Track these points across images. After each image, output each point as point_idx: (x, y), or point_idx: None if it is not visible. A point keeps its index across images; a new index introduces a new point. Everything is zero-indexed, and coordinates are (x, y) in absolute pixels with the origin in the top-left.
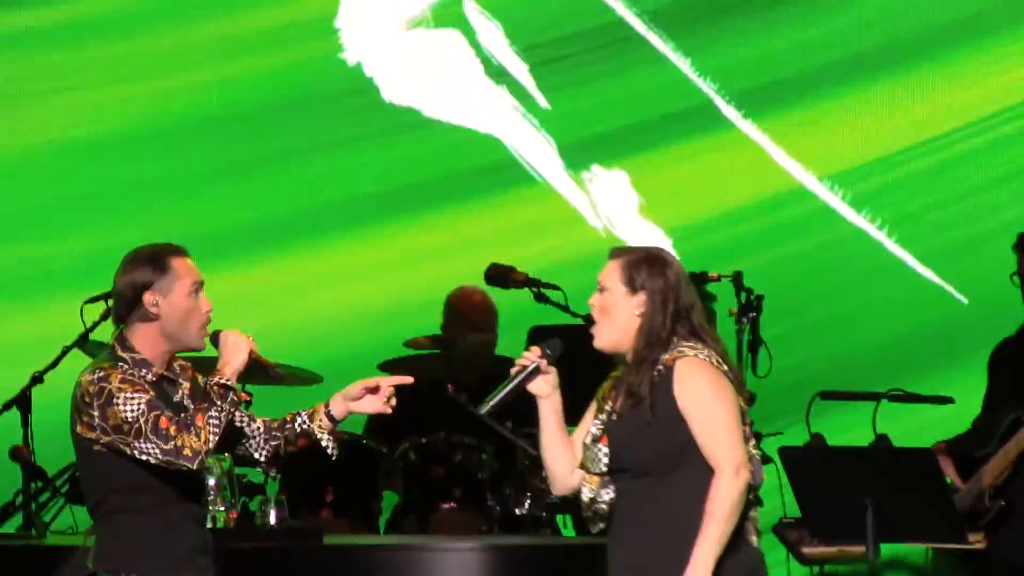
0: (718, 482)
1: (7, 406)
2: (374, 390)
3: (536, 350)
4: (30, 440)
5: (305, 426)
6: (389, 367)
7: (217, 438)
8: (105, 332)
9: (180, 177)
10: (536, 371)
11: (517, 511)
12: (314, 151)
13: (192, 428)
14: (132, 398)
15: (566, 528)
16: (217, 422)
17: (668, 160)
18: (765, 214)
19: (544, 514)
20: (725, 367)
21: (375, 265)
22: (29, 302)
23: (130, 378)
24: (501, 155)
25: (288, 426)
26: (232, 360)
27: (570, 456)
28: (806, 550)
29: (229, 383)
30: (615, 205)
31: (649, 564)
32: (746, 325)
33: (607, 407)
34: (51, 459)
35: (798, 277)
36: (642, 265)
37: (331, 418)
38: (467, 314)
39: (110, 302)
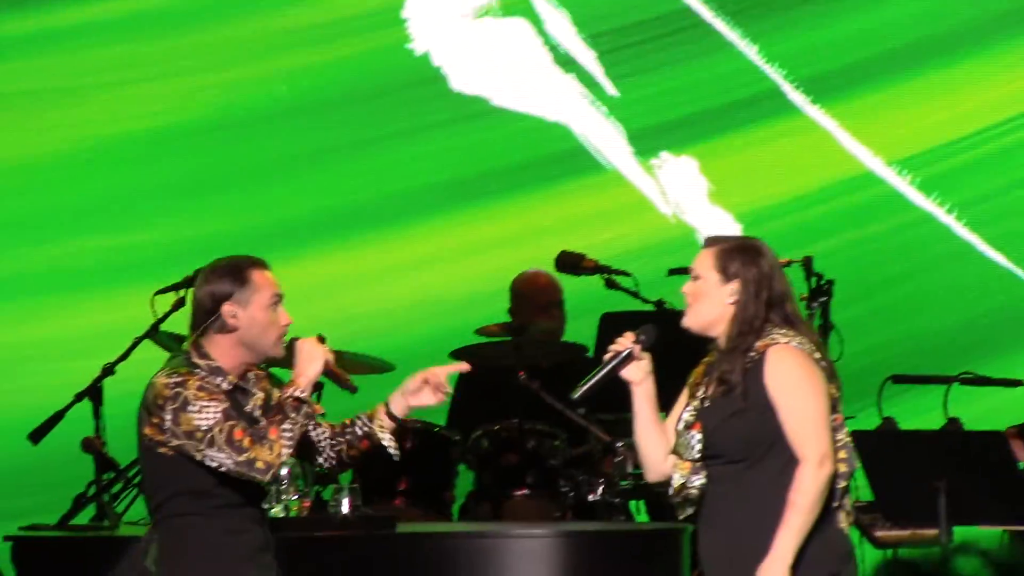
0: (802, 472)
1: (79, 398)
2: (431, 382)
3: (630, 336)
4: (102, 431)
5: (366, 428)
6: (460, 355)
7: (289, 452)
8: (175, 323)
9: (248, 168)
10: (629, 357)
11: (590, 497)
12: (382, 141)
13: (266, 441)
14: (208, 406)
15: (639, 514)
16: (290, 435)
17: (737, 146)
18: (834, 199)
19: (617, 500)
20: (818, 355)
21: (445, 253)
22: (99, 293)
23: (207, 386)
24: (569, 143)
25: (350, 430)
26: (306, 371)
27: (664, 443)
28: (879, 533)
29: (303, 396)
30: (684, 191)
31: (738, 551)
32: (816, 310)
33: (700, 393)
34: (123, 450)
35: (868, 262)
36: (735, 254)
37: (392, 417)
38: (533, 298)
39: (181, 292)
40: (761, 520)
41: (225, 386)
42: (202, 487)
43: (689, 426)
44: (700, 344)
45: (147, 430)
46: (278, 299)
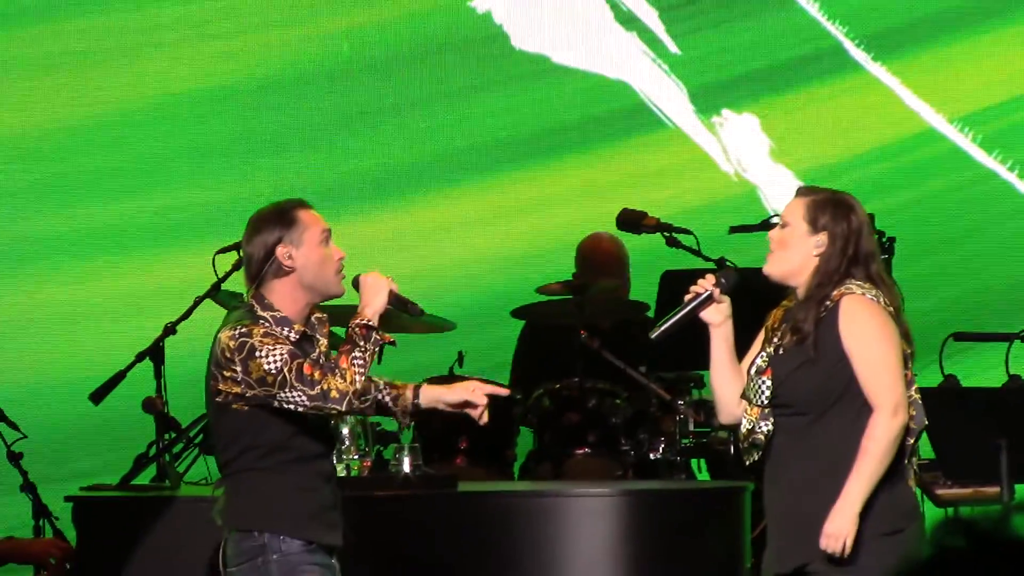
0: (876, 420)
1: (140, 357)
2: (472, 404)
3: (710, 278)
4: (163, 391)
5: (386, 401)
6: (522, 313)
7: (363, 378)
8: (236, 283)
9: (309, 127)
10: (709, 299)
11: (651, 456)
12: (444, 99)
13: (337, 370)
14: (274, 349)
15: (700, 472)
16: (362, 362)
17: (798, 104)
18: (895, 156)
19: (678, 458)
20: (891, 309)
21: (506, 212)
22: (160, 253)
23: (272, 332)
24: (631, 100)
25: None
26: (372, 301)
27: (739, 386)
28: (940, 492)
29: (371, 324)
30: (746, 149)
31: (804, 501)
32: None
33: (775, 340)
34: (184, 410)
35: (930, 219)
36: (827, 206)
37: (416, 407)
38: (598, 260)
39: (242, 252)
40: (826, 474)
41: (292, 336)
42: (275, 441)
43: (761, 371)
44: (778, 298)
45: (221, 386)
46: (328, 234)
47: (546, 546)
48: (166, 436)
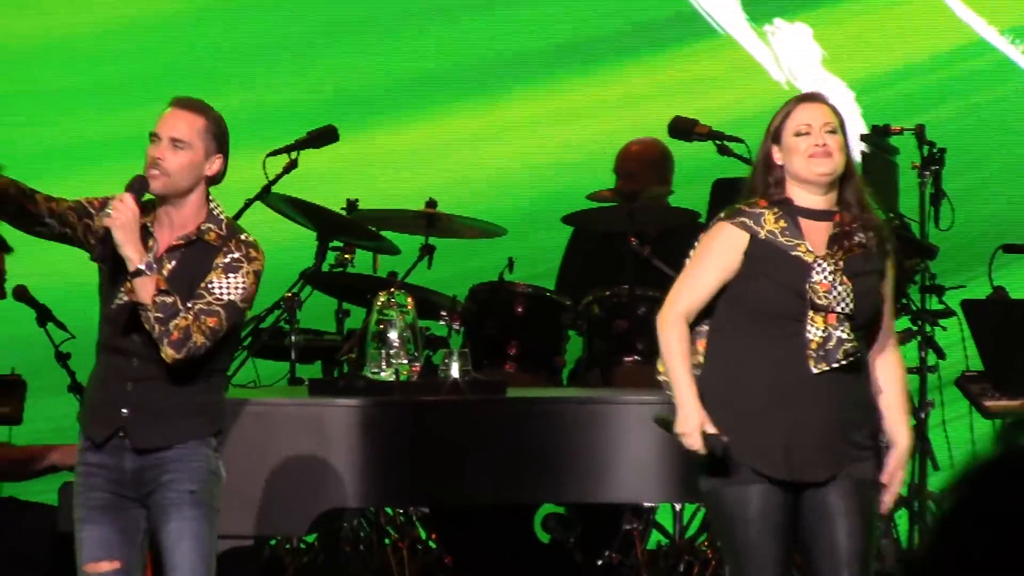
0: (897, 351)
1: None
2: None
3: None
4: None
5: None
6: (571, 220)
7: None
8: (286, 185)
9: (359, 27)
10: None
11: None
12: (492, 4)
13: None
14: None
15: None
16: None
17: (850, 13)
18: (947, 67)
19: None
20: None
21: (557, 117)
22: None
23: None
24: (683, 7)
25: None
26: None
27: None
28: (988, 403)
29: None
30: (797, 58)
31: (849, 415)
32: (928, 178)
33: (835, 247)
34: None
35: (980, 130)
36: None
37: None
38: (644, 165)
39: (292, 155)
40: (868, 392)
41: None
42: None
43: (841, 280)
44: None
45: None
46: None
47: (594, 453)
48: None
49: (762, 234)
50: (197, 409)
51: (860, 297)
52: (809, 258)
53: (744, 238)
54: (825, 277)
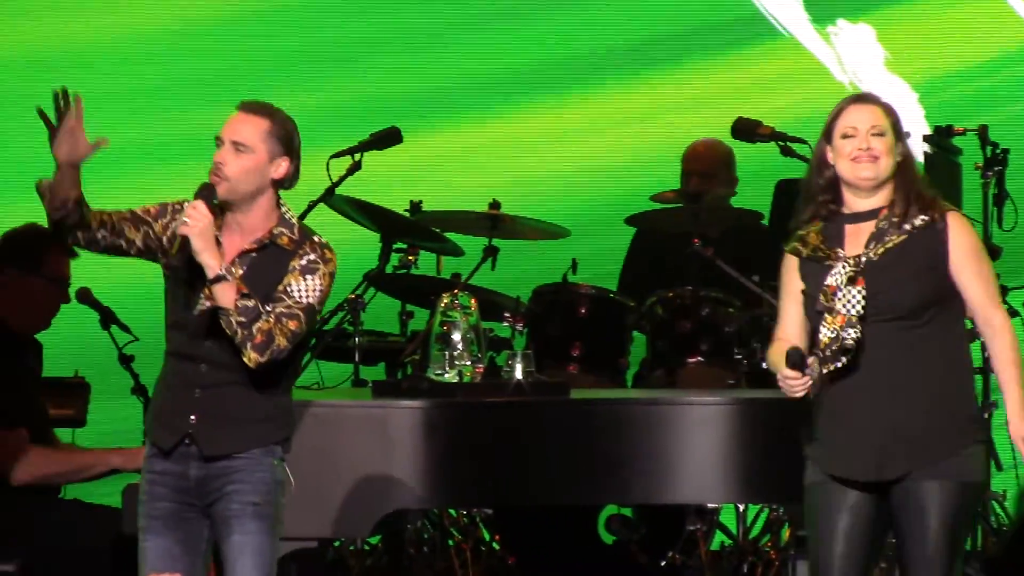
0: (1007, 330)
1: None
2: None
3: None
4: None
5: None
6: (635, 221)
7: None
8: (349, 186)
9: (421, 30)
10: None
11: (764, 365)
12: (557, 5)
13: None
14: None
15: None
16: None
17: (914, 14)
18: (1010, 67)
19: None
20: None
21: (621, 119)
22: None
23: None
24: (746, 9)
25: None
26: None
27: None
28: None
29: (218, 275)
30: (861, 59)
31: (914, 410)
32: (991, 179)
33: (851, 252)
34: None
35: None
36: (896, 114)
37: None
38: (710, 165)
39: (356, 156)
40: (934, 385)
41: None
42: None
43: (852, 281)
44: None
45: None
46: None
47: (658, 454)
48: None
49: (805, 252)
50: (265, 415)
51: (887, 291)
52: (833, 262)
53: (794, 261)
54: (835, 279)
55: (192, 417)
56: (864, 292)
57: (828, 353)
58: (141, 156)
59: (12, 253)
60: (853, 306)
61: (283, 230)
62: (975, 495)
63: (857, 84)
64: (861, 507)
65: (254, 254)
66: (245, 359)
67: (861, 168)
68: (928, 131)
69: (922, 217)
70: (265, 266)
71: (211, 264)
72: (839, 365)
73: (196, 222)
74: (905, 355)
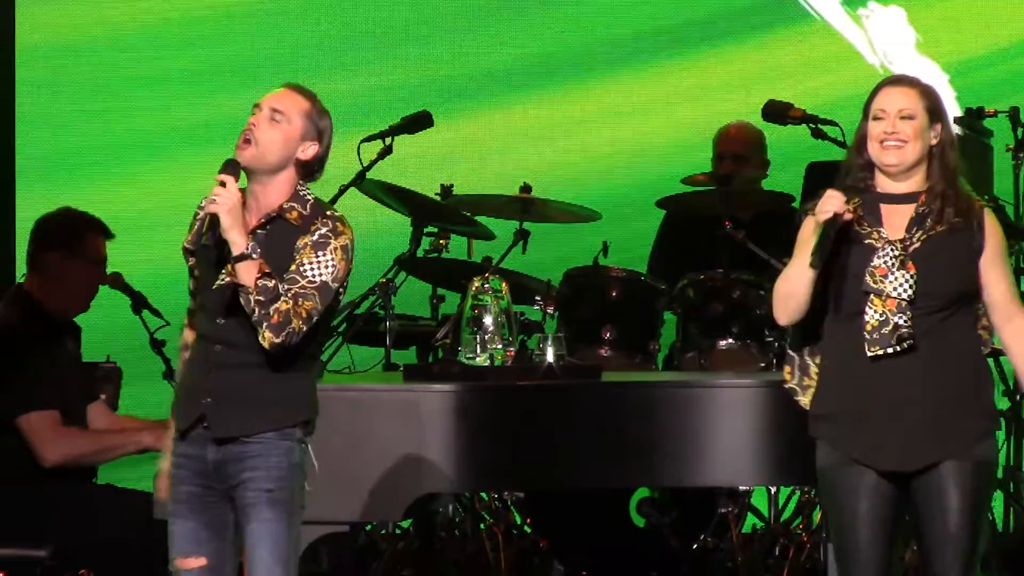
0: None
1: None
2: None
3: (832, 199)
4: None
5: None
6: (666, 204)
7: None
8: (380, 171)
9: (457, 13)
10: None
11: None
12: None
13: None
14: None
15: None
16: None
17: None
18: None
19: None
20: None
21: (651, 102)
22: None
23: None
24: None
25: None
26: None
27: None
28: None
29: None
30: (892, 41)
31: (944, 400)
32: (1023, 161)
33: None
34: None
35: None
36: (936, 96)
37: None
38: (742, 147)
39: (387, 140)
40: (965, 375)
41: None
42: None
43: (903, 264)
44: None
45: None
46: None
47: (689, 437)
48: None
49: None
50: (280, 398)
51: (929, 279)
52: (879, 244)
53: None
54: (885, 262)
55: (206, 399)
56: (916, 277)
57: (876, 336)
58: (180, 141)
59: (52, 236)
60: (905, 291)
61: (294, 204)
62: (993, 476)
63: (888, 67)
64: (881, 488)
65: (259, 231)
66: (261, 339)
67: (886, 155)
68: (959, 113)
69: (960, 208)
70: (271, 242)
71: (238, 242)
72: (890, 351)
73: (225, 199)
74: (937, 344)
